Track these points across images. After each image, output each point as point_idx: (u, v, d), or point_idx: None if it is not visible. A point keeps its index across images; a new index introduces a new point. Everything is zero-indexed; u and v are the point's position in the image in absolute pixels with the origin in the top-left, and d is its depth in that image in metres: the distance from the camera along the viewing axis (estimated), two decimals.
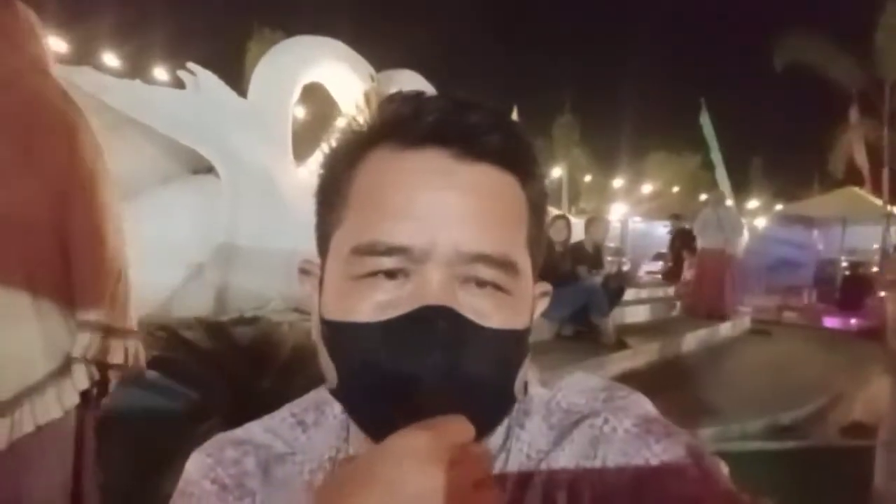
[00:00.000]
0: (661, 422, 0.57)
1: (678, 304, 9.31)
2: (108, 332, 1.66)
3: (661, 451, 0.53)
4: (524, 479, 0.56)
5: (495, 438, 0.58)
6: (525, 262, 0.56)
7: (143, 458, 3.12)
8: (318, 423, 0.64)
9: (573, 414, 0.58)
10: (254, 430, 0.65)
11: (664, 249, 18.35)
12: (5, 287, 1.47)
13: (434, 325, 0.49)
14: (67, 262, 1.61)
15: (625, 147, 32.49)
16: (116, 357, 1.69)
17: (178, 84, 6.40)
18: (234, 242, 5.47)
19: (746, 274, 10.19)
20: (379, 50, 9.29)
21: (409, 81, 8.02)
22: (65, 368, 1.57)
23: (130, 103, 5.42)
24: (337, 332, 0.53)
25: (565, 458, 0.56)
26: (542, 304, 0.63)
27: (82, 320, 1.61)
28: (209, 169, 5.71)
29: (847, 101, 20.08)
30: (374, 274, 0.51)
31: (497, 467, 0.57)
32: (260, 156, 5.92)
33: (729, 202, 12.63)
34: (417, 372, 0.49)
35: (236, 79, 7.06)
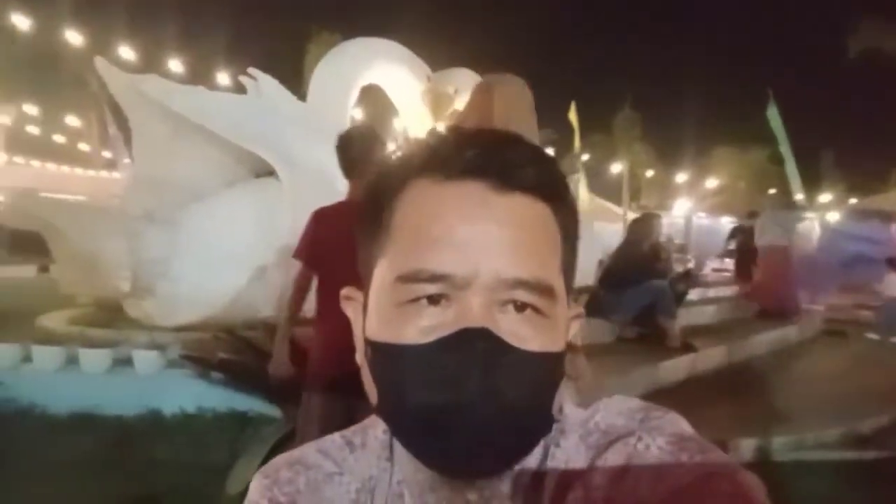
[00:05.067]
0: (696, 439, 0.57)
1: (747, 304, 8.97)
2: None
3: (692, 468, 0.53)
4: (560, 496, 0.57)
5: (532, 458, 0.59)
6: (560, 287, 0.58)
7: (202, 458, 3.20)
8: (364, 445, 0.67)
9: (610, 434, 0.59)
10: (307, 451, 0.68)
11: (731, 246, 17.74)
12: None
13: (474, 346, 0.51)
14: None
15: (688, 141, 31.54)
16: None
17: (241, 89, 6.53)
18: (295, 244, 5.53)
19: (818, 271, 9.73)
20: (436, 48, 9.29)
21: (466, 79, 8.00)
22: None
23: (195, 109, 5.57)
24: (381, 353, 0.56)
25: (599, 476, 0.57)
26: (575, 327, 0.64)
27: None
28: (271, 172, 5.80)
29: None
30: (417, 300, 0.54)
31: (536, 485, 0.59)
32: (318, 158, 5.98)
33: (798, 196, 12.15)
34: (457, 392, 0.51)
35: (296, 82, 7.16)
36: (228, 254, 5.45)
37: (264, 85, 6.22)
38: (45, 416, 3.73)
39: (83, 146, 25.34)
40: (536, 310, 0.55)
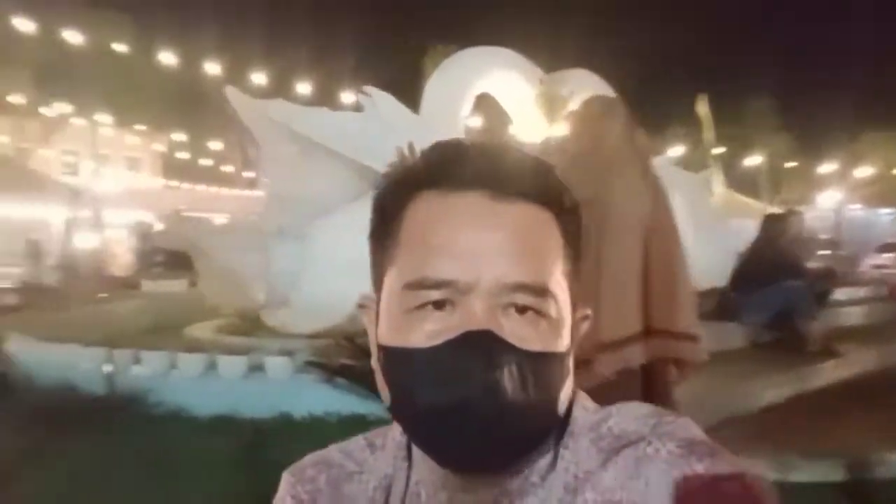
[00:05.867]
0: (707, 443, 0.59)
1: None
2: None
3: (703, 470, 0.55)
4: (570, 497, 0.60)
5: (543, 459, 0.61)
6: (562, 290, 0.60)
7: None
8: (384, 446, 0.70)
9: (622, 439, 0.60)
10: (332, 451, 0.72)
11: (891, 239, 16.15)
12: None
13: (478, 347, 0.54)
14: None
15: (834, 127, 29.05)
16: None
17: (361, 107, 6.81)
18: None
19: None
20: (553, 52, 9.23)
21: (582, 80, 7.88)
22: None
23: (317, 129, 5.90)
24: (391, 357, 0.59)
25: (609, 478, 0.58)
26: (585, 327, 0.66)
27: None
28: None
29: None
30: (424, 306, 0.57)
31: (546, 485, 0.61)
32: None
33: None
34: (463, 391, 0.54)
35: (415, 97, 7.37)
36: (352, 264, 5.68)
37: (380, 101, 6.45)
38: (189, 418, 4.07)
39: (227, 168, 27.43)
40: (538, 312, 0.57)
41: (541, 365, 0.57)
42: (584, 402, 0.67)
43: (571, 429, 0.63)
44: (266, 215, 6.72)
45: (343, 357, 3.91)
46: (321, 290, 5.72)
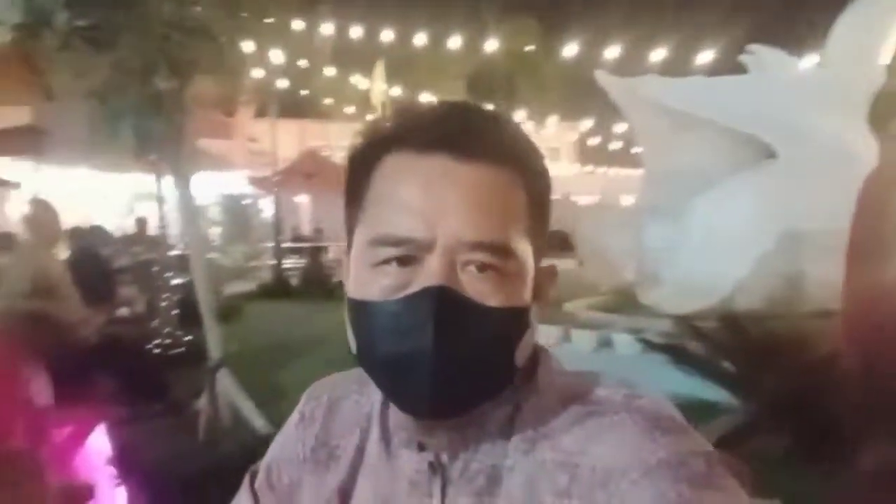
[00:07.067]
0: (675, 420, 0.60)
1: None
2: None
3: (666, 444, 0.56)
4: (526, 452, 0.62)
5: (503, 410, 0.64)
6: (524, 248, 0.61)
7: None
8: None
9: (591, 406, 0.62)
10: (348, 373, 0.79)
11: None
12: None
13: (433, 302, 0.57)
14: None
15: None
16: None
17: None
18: (802, 228, 4.95)
19: None
20: None
21: None
22: None
23: (689, 100, 5.55)
24: (356, 309, 0.63)
25: (570, 441, 0.60)
26: (552, 282, 0.67)
27: None
28: None
29: None
30: (388, 261, 0.60)
31: (502, 436, 0.63)
32: (833, 130, 5.19)
33: None
34: (418, 343, 0.57)
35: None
36: (731, 242, 5.28)
37: (768, 59, 5.76)
38: None
39: (637, 149, 27.51)
40: (497, 269, 0.59)
41: (497, 319, 0.59)
42: (552, 363, 0.68)
43: (535, 386, 0.65)
44: (643, 193, 6.65)
45: (687, 339, 3.69)
46: (697, 269, 5.43)
